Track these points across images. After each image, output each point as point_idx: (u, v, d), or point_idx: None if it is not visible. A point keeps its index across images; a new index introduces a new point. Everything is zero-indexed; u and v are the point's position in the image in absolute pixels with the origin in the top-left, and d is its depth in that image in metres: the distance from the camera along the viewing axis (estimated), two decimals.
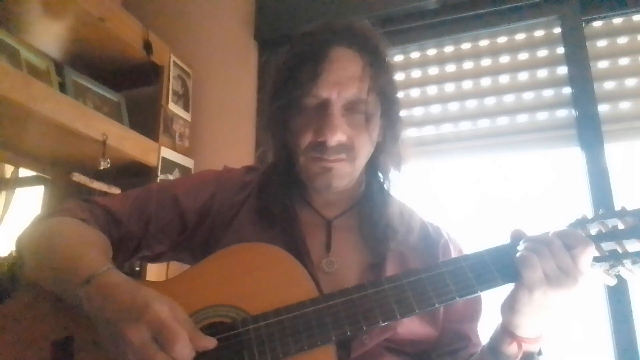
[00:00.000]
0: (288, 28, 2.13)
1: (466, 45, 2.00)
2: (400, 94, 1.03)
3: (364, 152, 0.95)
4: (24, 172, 2.19)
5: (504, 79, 1.92)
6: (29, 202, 2.23)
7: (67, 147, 1.78)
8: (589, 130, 1.73)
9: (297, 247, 0.93)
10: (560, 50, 1.86)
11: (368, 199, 1.04)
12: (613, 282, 0.82)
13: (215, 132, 2.20)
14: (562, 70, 1.84)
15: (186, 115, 2.16)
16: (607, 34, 1.82)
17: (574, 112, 1.79)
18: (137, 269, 1.84)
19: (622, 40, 1.80)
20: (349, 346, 0.85)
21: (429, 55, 2.04)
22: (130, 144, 1.84)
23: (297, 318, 0.79)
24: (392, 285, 0.81)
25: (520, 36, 1.93)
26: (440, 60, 2.02)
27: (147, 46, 1.99)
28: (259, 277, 0.84)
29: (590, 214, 0.85)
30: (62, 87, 1.79)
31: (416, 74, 2.03)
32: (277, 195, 1.00)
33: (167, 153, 2.01)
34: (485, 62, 1.95)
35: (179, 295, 0.77)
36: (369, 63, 0.93)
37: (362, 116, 0.92)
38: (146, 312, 0.69)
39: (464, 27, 1.97)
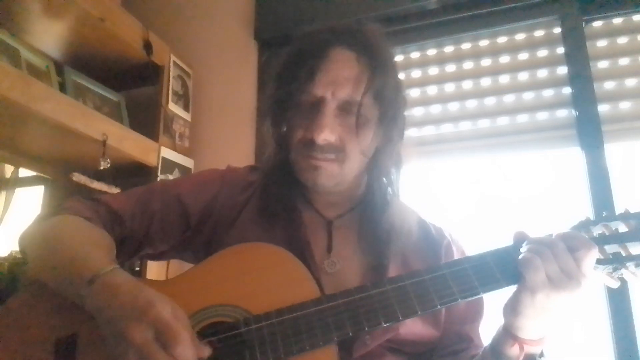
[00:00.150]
0: (288, 28, 2.11)
1: (466, 45, 2.00)
2: (405, 96, 1.02)
3: (355, 154, 0.94)
4: (24, 172, 2.19)
5: (504, 79, 1.91)
6: (29, 202, 2.23)
7: (67, 147, 1.78)
8: (589, 130, 1.73)
9: (300, 247, 0.93)
10: (560, 50, 1.86)
11: (369, 200, 1.03)
12: (616, 284, 0.82)
13: (215, 132, 2.20)
14: (562, 70, 1.84)
15: (186, 115, 2.16)
16: (607, 34, 1.82)
17: (574, 112, 1.79)
18: (137, 268, 1.84)
19: (622, 40, 1.80)
20: (351, 347, 0.85)
21: (429, 55, 2.04)
22: (130, 144, 1.84)
23: (299, 318, 0.79)
24: (394, 287, 0.81)
25: (520, 36, 1.93)
26: (440, 60, 2.02)
27: (147, 46, 1.99)
28: (261, 277, 0.84)
29: (592, 216, 0.85)
30: (62, 87, 1.79)
31: (416, 74, 2.03)
32: (279, 195, 1.00)
33: (167, 153, 2.01)
34: (485, 62, 1.95)
35: (182, 295, 0.77)
36: (368, 66, 0.93)
37: (356, 118, 0.92)
38: (149, 312, 0.69)
39: (464, 27, 1.97)
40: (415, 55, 2.05)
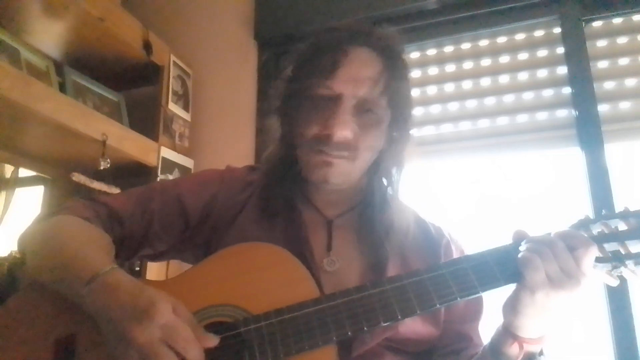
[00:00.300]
0: (288, 28, 2.13)
1: (466, 45, 2.00)
2: (414, 110, 1.04)
3: (366, 153, 0.95)
4: (24, 172, 2.19)
5: (504, 79, 1.91)
6: (29, 202, 2.23)
7: (67, 147, 1.78)
8: (589, 130, 1.73)
9: (299, 246, 0.93)
10: (560, 50, 1.85)
11: (369, 199, 1.04)
12: (615, 283, 0.81)
13: (215, 132, 2.20)
14: (562, 70, 1.84)
15: (186, 115, 2.16)
16: (607, 34, 1.82)
17: (574, 112, 1.79)
18: (137, 268, 1.84)
19: (622, 40, 1.80)
20: (350, 345, 0.85)
21: (429, 55, 2.04)
22: (130, 144, 1.84)
23: (299, 318, 0.78)
24: (393, 286, 0.81)
25: (520, 36, 1.93)
26: (440, 60, 2.02)
27: (147, 46, 1.99)
28: (261, 277, 0.84)
29: (592, 215, 0.85)
30: (62, 87, 1.80)
31: (416, 74, 2.02)
32: (280, 193, 1.00)
33: (167, 153, 2.01)
34: (485, 62, 1.95)
35: (181, 295, 0.77)
36: (387, 69, 0.94)
37: (370, 117, 0.93)
38: (151, 312, 0.69)
39: (464, 27, 1.97)
40: (415, 55, 2.05)
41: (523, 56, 1.91)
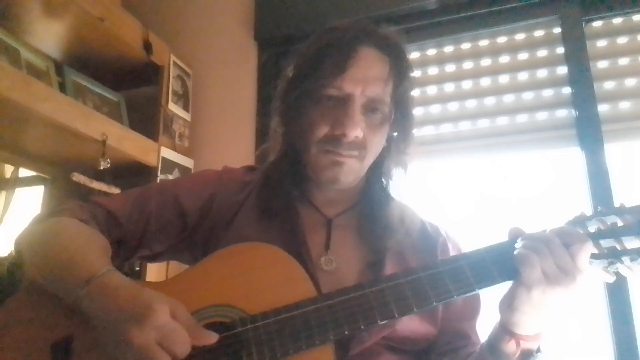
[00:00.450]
0: (288, 28, 2.13)
1: (466, 45, 1.99)
2: (415, 111, 1.05)
3: (374, 152, 0.97)
4: (24, 172, 2.19)
5: (504, 79, 1.91)
6: (29, 202, 2.23)
7: (67, 147, 1.78)
8: (589, 130, 1.73)
9: (297, 246, 0.93)
10: (560, 50, 1.85)
11: (369, 198, 1.04)
12: (612, 279, 0.81)
13: (215, 132, 2.21)
14: (562, 70, 1.84)
15: (186, 115, 2.16)
16: (607, 34, 1.82)
17: (574, 112, 1.79)
18: (137, 268, 1.84)
19: (622, 40, 1.80)
20: (348, 344, 0.85)
21: (429, 55, 2.04)
22: (130, 144, 1.85)
23: (296, 318, 0.79)
24: (390, 284, 0.81)
25: (520, 36, 1.93)
26: (440, 60, 2.02)
27: (147, 46, 1.99)
28: (258, 277, 0.84)
29: (588, 212, 0.85)
30: (62, 87, 1.80)
31: (416, 74, 2.01)
32: (279, 191, 1.00)
33: (167, 153, 2.01)
34: (485, 62, 1.95)
35: (178, 295, 0.77)
36: (393, 68, 0.95)
37: (379, 117, 0.95)
38: (148, 314, 0.69)
39: (464, 27, 1.97)
40: (415, 55, 2.05)
41: (523, 56, 1.91)
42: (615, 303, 1.57)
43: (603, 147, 1.70)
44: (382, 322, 0.79)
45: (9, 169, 2.20)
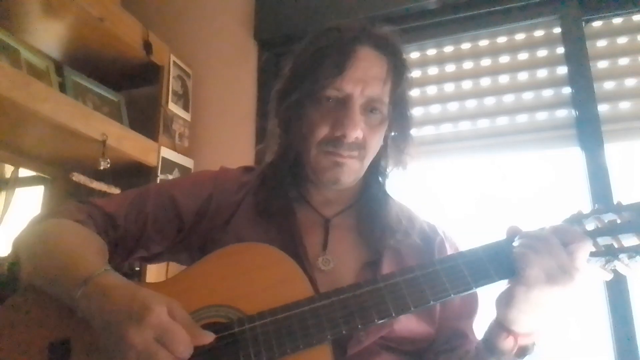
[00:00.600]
0: (288, 28, 2.13)
1: (466, 45, 1.99)
2: (413, 111, 1.05)
3: (373, 152, 0.98)
4: (24, 172, 2.19)
5: (504, 79, 1.91)
6: (29, 202, 2.23)
7: (67, 147, 1.79)
8: (589, 130, 1.73)
9: (295, 246, 0.93)
10: (560, 50, 1.85)
11: (367, 198, 1.04)
12: (609, 277, 0.81)
13: (215, 132, 2.21)
14: (562, 70, 1.84)
15: (186, 115, 2.16)
16: (607, 34, 1.82)
17: (573, 112, 1.79)
18: (137, 268, 1.84)
19: (622, 40, 1.80)
20: (345, 344, 0.85)
21: (429, 55, 2.04)
22: (130, 144, 1.85)
23: (293, 317, 0.78)
24: (387, 284, 0.81)
25: (520, 36, 1.93)
26: (440, 60, 2.02)
27: (147, 46, 1.99)
28: (255, 277, 0.84)
29: (586, 210, 0.85)
30: (62, 87, 1.80)
31: (416, 74, 2.02)
32: (277, 192, 1.00)
33: (167, 153, 2.01)
34: (485, 62, 1.95)
35: (176, 296, 0.77)
36: (393, 69, 0.95)
37: (378, 117, 0.95)
38: (146, 314, 0.69)
39: (464, 27, 1.97)
40: (415, 55, 2.05)
41: (523, 56, 1.91)
42: (615, 302, 1.57)
43: (603, 147, 1.70)
44: (380, 321, 0.79)
45: (9, 169, 2.20)
